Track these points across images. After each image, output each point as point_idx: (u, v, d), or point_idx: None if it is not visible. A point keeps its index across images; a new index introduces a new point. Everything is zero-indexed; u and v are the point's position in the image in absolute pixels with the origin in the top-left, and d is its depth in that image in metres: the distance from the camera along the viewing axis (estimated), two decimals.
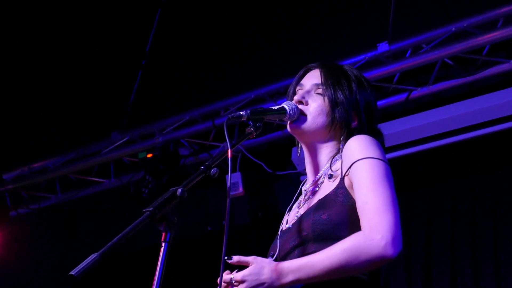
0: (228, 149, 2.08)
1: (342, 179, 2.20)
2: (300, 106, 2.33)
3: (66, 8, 6.78)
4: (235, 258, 2.09)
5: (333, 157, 2.33)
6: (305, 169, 2.44)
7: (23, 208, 6.75)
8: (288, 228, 2.30)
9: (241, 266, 2.10)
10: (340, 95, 2.33)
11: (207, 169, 2.06)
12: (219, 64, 6.10)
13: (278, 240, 2.31)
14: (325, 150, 2.36)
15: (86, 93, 6.74)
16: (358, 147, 2.18)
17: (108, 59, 6.63)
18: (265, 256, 2.27)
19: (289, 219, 2.40)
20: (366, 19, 5.40)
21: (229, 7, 6.14)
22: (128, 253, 6.39)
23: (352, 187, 2.16)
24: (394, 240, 2.02)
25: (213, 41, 6.20)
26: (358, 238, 2.03)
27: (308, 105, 2.34)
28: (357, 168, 2.14)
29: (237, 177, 5.58)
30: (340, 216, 2.13)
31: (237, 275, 2.07)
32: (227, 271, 2.11)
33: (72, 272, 1.75)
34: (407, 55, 5.01)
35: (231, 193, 5.49)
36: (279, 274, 2.06)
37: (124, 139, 6.12)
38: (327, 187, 2.26)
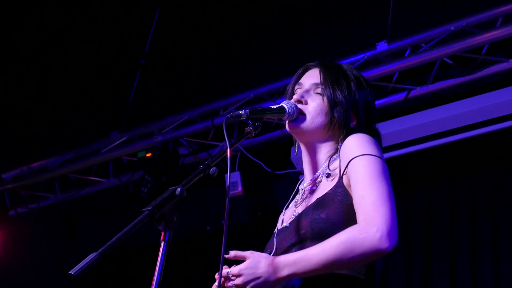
0: (227, 148, 2.08)
1: (341, 177, 2.21)
2: (299, 106, 2.33)
3: (65, 7, 6.78)
4: (232, 253, 2.09)
5: (331, 156, 2.33)
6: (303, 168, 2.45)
7: (22, 208, 6.75)
8: (286, 227, 2.30)
9: (239, 262, 2.11)
10: (339, 95, 2.33)
11: (206, 169, 2.06)
12: (218, 64, 6.10)
13: (275, 239, 2.31)
14: (324, 150, 2.36)
15: (85, 92, 6.74)
16: (356, 145, 2.19)
17: (107, 59, 6.63)
18: None
19: (286, 217, 2.40)
20: (365, 19, 5.40)
21: (228, 7, 6.14)
22: (127, 253, 6.39)
23: (350, 186, 2.17)
24: (389, 233, 2.02)
25: (212, 40, 6.20)
26: (354, 231, 2.03)
27: (307, 105, 2.34)
28: (354, 165, 2.15)
29: (236, 176, 5.58)
30: (338, 215, 2.14)
31: (234, 269, 2.07)
32: (225, 266, 2.11)
33: (71, 272, 1.75)
34: (406, 54, 5.02)
35: (230, 192, 5.49)
36: (276, 268, 2.06)
37: (123, 139, 6.12)
38: (325, 186, 2.26)
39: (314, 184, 2.33)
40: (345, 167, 2.19)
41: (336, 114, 2.32)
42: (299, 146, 2.45)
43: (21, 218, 6.78)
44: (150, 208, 1.90)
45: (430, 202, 5.03)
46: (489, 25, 4.73)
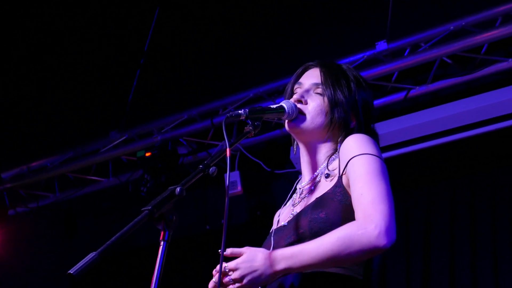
0: (226, 148, 2.08)
1: (340, 177, 2.21)
2: (298, 105, 2.33)
3: (65, 7, 6.78)
4: (229, 251, 2.09)
5: (330, 156, 2.34)
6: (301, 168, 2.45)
7: (21, 207, 6.75)
8: (284, 226, 2.30)
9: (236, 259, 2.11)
10: (340, 95, 2.33)
11: (206, 168, 2.06)
12: (217, 63, 6.10)
13: (272, 238, 2.31)
14: (323, 150, 2.36)
15: (84, 92, 6.74)
16: (355, 145, 2.19)
17: (106, 58, 6.63)
18: None
19: (283, 217, 2.40)
20: (365, 18, 5.40)
21: (228, 6, 6.14)
22: (127, 252, 6.39)
23: (349, 186, 2.17)
24: (387, 230, 2.02)
25: (212, 40, 6.20)
26: (352, 227, 2.04)
27: (307, 105, 2.34)
28: (354, 164, 2.15)
29: (236, 175, 5.59)
30: (337, 215, 2.14)
31: (230, 263, 2.07)
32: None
33: (71, 271, 1.75)
34: (405, 54, 5.02)
35: (230, 191, 5.50)
36: (272, 261, 2.06)
37: (123, 138, 6.12)
38: (324, 186, 2.26)
39: (313, 183, 2.33)
40: (344, 167, 2.19)
41: (336, 115, 2.32)
42: (297, 145, 2.45)
43: (20, 218, 6.78)
44: (149, 207, 1.90)
45: (430, 202, 5.03)
46: (489, 24, 4.73)
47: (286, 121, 2.33)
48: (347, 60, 5.09)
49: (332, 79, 2.36)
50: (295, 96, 2.36)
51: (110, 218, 6.60)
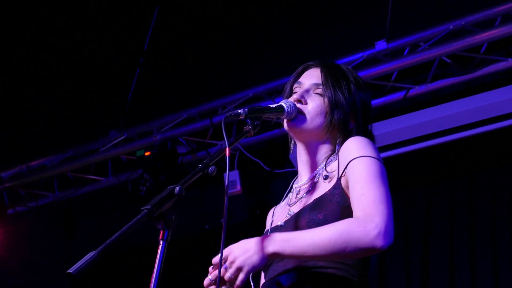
0: (226, 147, 2.08)
1: (339, 179, 2.21)
2: (298, 105, 2.32)
3: (64, 6, 6.77)
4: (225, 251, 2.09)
5: (328, 157, 2.34)
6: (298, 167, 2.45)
7: (20, 206, 6.75)
8: (280, 226, 2.30)
9: None
10: (340, 97, 2.33)
11: (205, 167, 2.06)
12: (217, 62, 6.10)
13: None
14: (321, 150, 2.36)
15: (84, 91, 6.74)
16: (355, 147, 2.19)
17: (106, 57, 6.63)
18: None
19: (279, 216, 2.40)
20: (364, 18, 5.40)
21: (227, 6, 6.14)
22: (126, 251, 6.39)
23: (348, 187, 2.17)
24: (386, 231, 2.02)
25: (211, 39, 6.20)
26: (352, 223, 2.03)
27: (307, 105, 2.33)
28: (353, 166, 2.15)
29: (235, 175, 5.59)
30: (336, 217, 2.13)
31: (225, 250, 2.07)
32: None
33: (70, 270, 1.75)
34: (405, 53, 5.02)
35: (229, 191, 5.50)
36: (268, 241, 2.06)
37: (122, 137, 6.12)
38: (322, 187, 2.26)
39: (311, 184, 2.32)
40: (344, 169, 2.19)
41: (336, 116, 2.31)
42: (294, 144, 2.45)
43: (19, 217, 6.78)
44: (148, 206, 1.90)
45: (429, 201, 5.03)
46: (488, 24, 4.73)
47: (285, 120, 2.33)
48: (346, 59, 5.09)
49: (333, 80, 2.35)
50: (294, 96, 2.35)
51: (110, 218, 6.59)
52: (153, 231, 1.93)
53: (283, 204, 2.46)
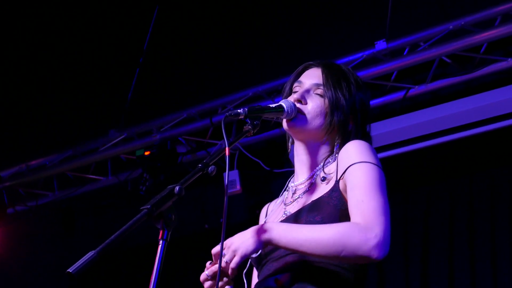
0: (225, 147, 2.08)
1: (337, 182, 2.21)
2: (298, 105, 2.32)
3: (64, 6, 6.77)
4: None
5: (327, 158, 2.33)
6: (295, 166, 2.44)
7: (20, 206, 6.75)
8: None
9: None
10: (340, 98, 2.32)
11: (205, 167, 2.06)
12: (217, 62, 6.10)
13: None
14: (319, 151, 2.35)
15: (83, 90, 6.74)
16: (355, 151, 2.19)
17: (105, 57, 6.62)
18: None
19: (274, 215, 2.39)
20: (364, 17, 5.40)
21: (227, 5, 6.14)
22: (126, 251, 6.39)
23: (346, 191, 2.17)
24: (384, 243, 2.02)
25: (211, 39, 6.20)
26: (353, 228, 2.03)
27: (307, 105, 2.32)
28: (353, 171, 2.15)
29: (235, 174, 5.59)
30: (333, 219, 2.13)
31: (226, 241, 2.09)
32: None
33: (70, 270, 1.75)
34: (404, 53, 5.01)
35: (229, 191, 5.49)
36: (265, 227, 2.08)
37: (122, 137, 6.11)
38: (320, 188, 2.26)
39: (308, 184, 2.32)
40: (343, 172, 2.19)
41: (335, 118, 2.31)
42: (292, 143, 2.44)
43: (19, 216, 6.78)
44: (148, 206, 1.90)
45: (428, 201, 5.03)
46: (488, 24, 4.73)
47: (285, 120, 2.32)
48: (346, 59, 5.09)
49: (334, 81, 2.34)
50: (295, 96, 2.34)
51: (109, 217, 6.59)
52: (153, 231, 1.93)
53: (278, 202, 2.46)
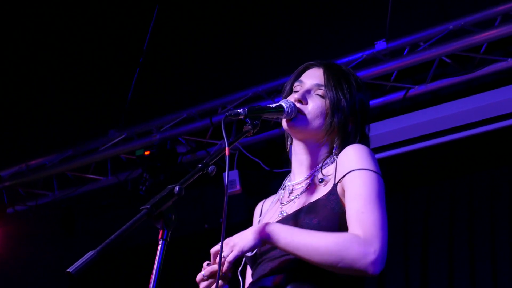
0: (225, 146, 2.08)
1: (335, 185, 2.20)
2: (298, 105, 2.31)
3: (64, 6, 6.77)
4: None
5: (325, 159, 2.33)
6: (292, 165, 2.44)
7: (20, 205, 6.75)
8: None
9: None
10: (341, 100, 2.31)
11: (205, 167, 2.06)
12: (216, 62, 6.10)
13: None
14: (318, 151, 2.34)
15: (83, 90, 6.74)
16: (355, 157, 2.18)
17: (105, 57, 6.62)
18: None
19: (270, 214, 2.39)
20: (364, 17, 5.40)
21: (227, 5, 6.14)
22: (126, 251, 6.39)
23: (344, 195, 2.16)
24: (382, 259, 2.04)
25: (211, 38, 6.20)
26: (353, 241, 2.03)
27: (307, 105, 2.32)
28: (353, 178, 2.15)
29: (235, 174, 5.59)
30: (330, 223, 2.13)
31: (225, 240, 2.09)
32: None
33: (70, 270, 1.75)
34: (404, 53, 5.01)
35: (229, 190, 5.49)
36: (265, 227, 2.08)
37: (122, 137, 6.11)
38: (318, 190, 2.25)
39: (306, 185, 2.31)
40: (341, 176, 2.18)
41: (336, 119, 2.30)
42: (291, 142, 2.44)
43: (19, 216, 6.78)
44: (148, 206, 1.90)
45: (428, 201, 5.03)
46: (488, 24, 4.73)
47: (284, 120, 2.32)
48: (346, 59, 5.09)
49: (335, 82, 2.34)
50: (295, 96, 2.33)
51: (109, 217, 6.59)
52: (153, 231, 1.93)
53: (274, 200, 2.45)
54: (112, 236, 1.84)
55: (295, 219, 2.19)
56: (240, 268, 2.28)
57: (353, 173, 2.15)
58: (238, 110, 2.21)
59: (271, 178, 5.70)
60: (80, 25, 6.77)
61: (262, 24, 5.93)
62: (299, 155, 2.38)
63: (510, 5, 4.66)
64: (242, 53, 5.98)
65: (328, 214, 2.15)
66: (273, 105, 2.29)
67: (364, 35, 5.26)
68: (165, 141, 5.80)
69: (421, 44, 4.97)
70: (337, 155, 2.29)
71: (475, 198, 4.84)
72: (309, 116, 2.31)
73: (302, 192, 2.30)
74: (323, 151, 2.34)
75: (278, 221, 2.26)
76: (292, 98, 2.34)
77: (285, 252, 2.12)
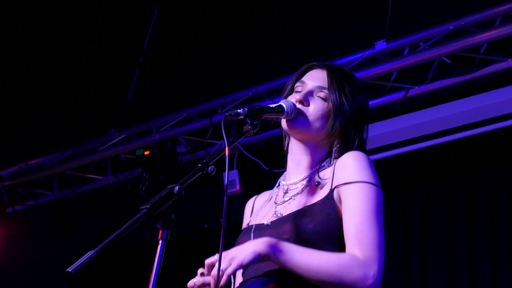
0: (225, 146, 2.07)
1: (332, 191, 2.19)
2: (298, 106, 2.30)
3: (64, 6, 6.77)
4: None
5: (322, 161, 2.32)
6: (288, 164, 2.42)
7: (20, 205, 6.75)
8: (266, 225, 2.26)
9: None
10: (344, 103, 2.30)
11: (205, 167, 2.05)
12: (216, 62, 6.10)
13: (252, 234, 2.26)
14: (316, 153, 2.34)
15: (83, 90, 6.74)
16: (355, 167, 2.17)
17: (105, 56, 6.62)
18: None
19: (263, 213, 2.37)
20: (364, 17, 5.40)
21: (227, 5, 6.14)
22: (125, 250, 6.39)
23: (340, 201, 2.15)
24: (380, 281, 2.05)
25: (211, 38, 6.20)
26: (353, 264, 2.04)
27: (309, 107, 2.31)
28: (352, 191, 2.14)
29: (234, 174, 5.58)
30: (325, 228, 2.12)
31: (223, 253, 2.07)
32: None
33: (69, 269, 1.75)
34: (404, 53, 5.01)
35: (228, 190, 5.49)
36: (265, 242, 2.05)
37: (121, 136, 6.11)
38: (314, 193, 2.24)
39: (302, 187, 2.30)
40: (339, 184, 2.17)
41: (338, 122, 2.29)
42: (289, 142, 2.43)
43: (18, 216, 6.78)
44: (148, 206, 1.90)
45: (428, 201, 5.03)
46: (488, 24, 4.73)
47: (284, 120, 2.32)
48: (346, 59, 5.08)
49: (338, 85, 2.32)
50: (297, 96, 2.32)
51: (109, 217, 6.59)
52: (153, 231, 1.92)
53: (267, 198, 2.44)
54: (112, 236, 1.84)
55: (289, 222, 2.17)
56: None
57: (352, 185, 2.14)
58: (238, 110, 2.20)
59: (271, 178, 5.69)
60: (80, 25, 6.77)
61: (262, 24, 5.93)
62: (296, 155, 2.37)
63: (510, 6, 4.66)
64: (242, 53, 5.98)
65: (323, 219, 2.14)
66: (273, 105, 2.29)
67: (364, 35, 5.26)
68: (165, 141, 5.80)
69: (421, 44, 4.97)
70: (336, 158, 2.28)
71: (475, 198, 4.84)
72: (310, 118, 2.30)
73: (297, 194, 2.29)
74: (321, 153, 2.34)
75: (273, 222, 2.25)
76: (293, 98, 2.33)
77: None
